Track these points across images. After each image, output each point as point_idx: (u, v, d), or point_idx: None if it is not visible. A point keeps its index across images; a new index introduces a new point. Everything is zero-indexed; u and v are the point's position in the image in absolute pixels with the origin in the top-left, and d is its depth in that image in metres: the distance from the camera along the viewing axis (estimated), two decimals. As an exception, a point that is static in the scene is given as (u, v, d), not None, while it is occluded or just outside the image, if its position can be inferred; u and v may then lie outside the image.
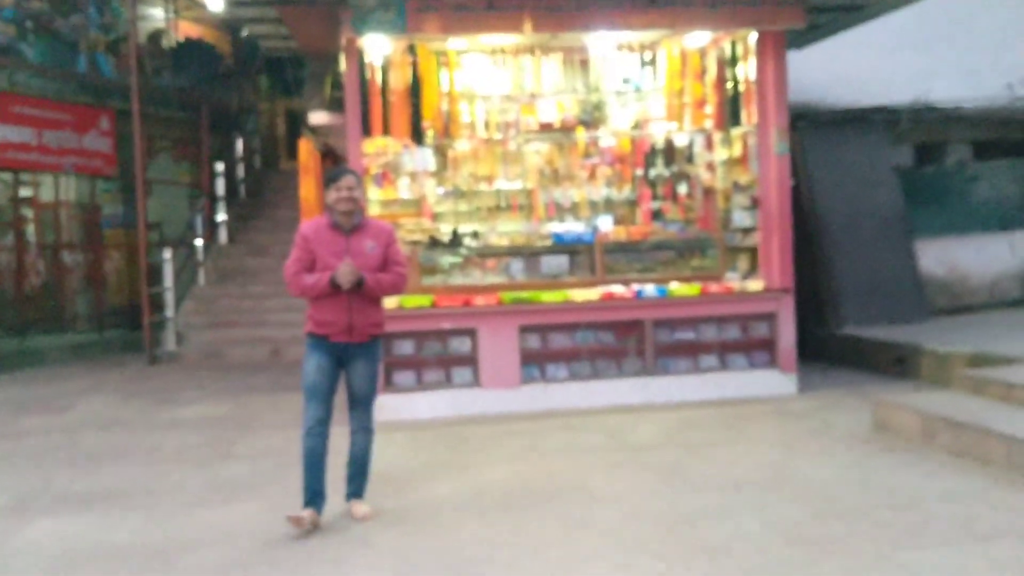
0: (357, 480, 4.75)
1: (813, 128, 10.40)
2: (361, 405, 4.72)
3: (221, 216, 14.34)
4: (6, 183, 13.13)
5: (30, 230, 13.76)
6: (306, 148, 7.44)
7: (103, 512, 5.02)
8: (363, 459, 4.75)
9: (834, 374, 8.72)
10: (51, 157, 12.73)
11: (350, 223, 4.59)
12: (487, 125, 8.03)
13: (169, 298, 12.22)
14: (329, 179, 4.62)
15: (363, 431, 4.74)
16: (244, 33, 16.69)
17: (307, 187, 7.43)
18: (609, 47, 7.94)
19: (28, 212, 13.90)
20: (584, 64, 8.20)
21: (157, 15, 15.91)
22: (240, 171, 15.83)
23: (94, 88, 13.51)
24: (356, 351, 4.60)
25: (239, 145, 15.98)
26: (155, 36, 15.72)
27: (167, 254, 12.40)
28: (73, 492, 5.50)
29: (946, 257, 11.03)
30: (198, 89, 15.74)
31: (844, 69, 10.89)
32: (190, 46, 16.68)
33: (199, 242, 13.60)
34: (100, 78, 13.77)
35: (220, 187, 14.39)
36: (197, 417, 7.86)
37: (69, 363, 12.05)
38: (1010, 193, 11.25)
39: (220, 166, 14.61)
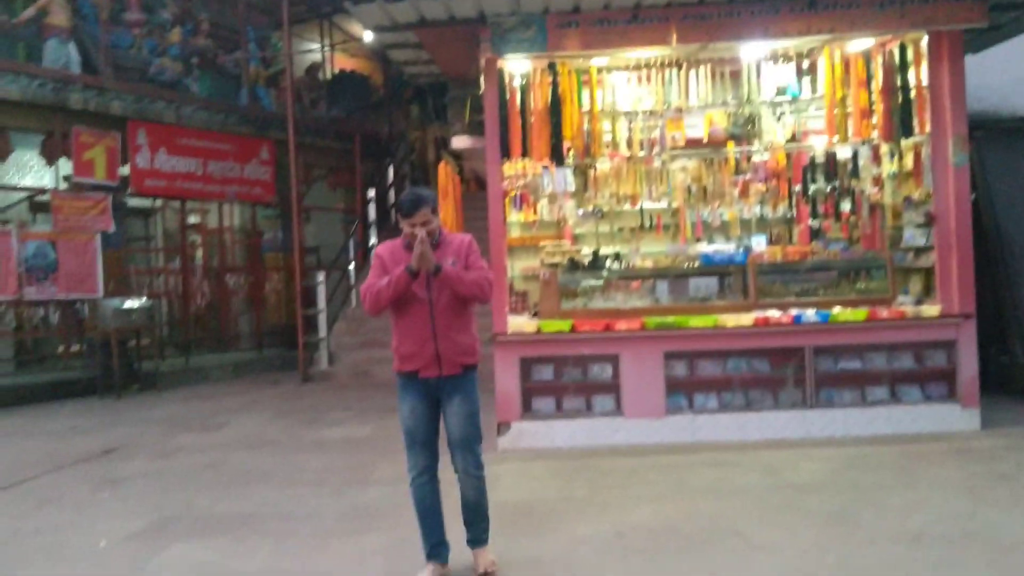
0: (476, 526, 4.27)
1: (992, 137, 9.41)
2: (462, 447, 4.16)
3: (373, 240, 14.69)
4: (175, 211, 13.96)
5: (197, 255, 14.59)
6: (445, 172, 7.38)
7: (238, 538, 5.02)
8: (477, 504, 4.24)
9: (1022, 408, 7.79)
10: (215, 186, 13.41)
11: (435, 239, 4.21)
12: (630, 143, 7.72)
13: (322, 319, 12.54)
14: (402, 210, 4.06)
15: (469, 476, 4.20)
16: (394, 64, 17.21)
17: (446, 210, 7.36)
18: (762, 56, 7.46)
19: (195, 238, 14.77)
20: (735, 76, 7.74)
21: (314, 48, 16.57)
22: (391, 197, 16.20)
23: (254, 120, 14.17)
24: (449, 387, 4.09)
25: (390, 172, 16.39)
26: (312, 69, 16.38)
27: (320, 277, 12.77)
28: (213, 515, 5.56)
29: None
30: (352, 119, 16.28)
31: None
32: (344, 78, 17.32)
33: (352, 266, 13.97)
34: (260, 110, 14.44)
35: (372, 212, 14.75)
36: (341, 438, 7.91)
37: (230, 380, 12.59)
38: None
39: (372, 192, 14.99)
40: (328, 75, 16.89)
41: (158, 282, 13.43)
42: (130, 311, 11.26)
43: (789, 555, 4.28)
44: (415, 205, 4.01)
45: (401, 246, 4.12)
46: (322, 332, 12.51)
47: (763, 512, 5.03)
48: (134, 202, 13.35)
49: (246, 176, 13.97)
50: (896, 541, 4.41)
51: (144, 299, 11.87)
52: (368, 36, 14.66)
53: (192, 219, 14.60)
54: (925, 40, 7.00)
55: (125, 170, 12.18)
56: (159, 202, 14.50)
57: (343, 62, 18.05)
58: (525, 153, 7.14)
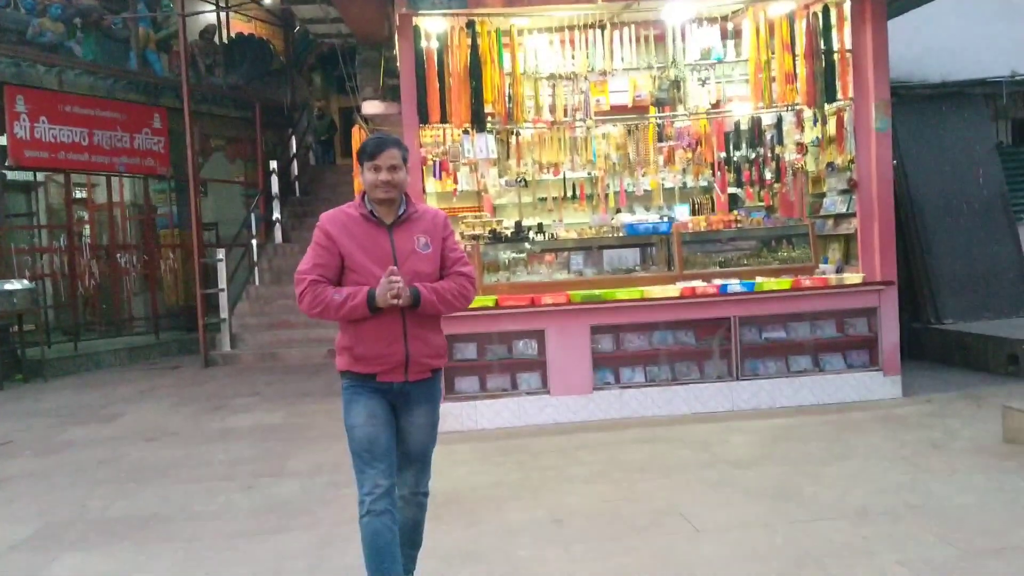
0: (410, 553, 3.48)
1: (904, 105, 9.52)
2: (417, 464, 3.40)
3: (276, 214, 14.01)
4: (59, 185, 12.94)
5: (85, 232, 13.59)
6: (359, 137, 6.88)
7: (139, 544, 4.51)
8: (416, 527, 3.47)
9: (939, 374, 7.91)
10: (103, 157, 12.48)
11: (391, 212, 3.25)
12: (553, 109, 7.39)
13: (223, 299, 11.86)
14: (365, 153, 3.23)
15: (418, 496, 3.44)
16: (296, 28, 16.40)
17: (360, 178, 6.87)
18: (687, 18, 7.22)
19: (83, 213, 13.75)
20: (659, 40, 7.48)
21: (209, 10, 15.60)
22: (295, 169, 15.51)
23: (145, 86, 13.24)
24: (415, 393, 3.30)
25: (293, 142, 15.67)
26: (207, 32, 15.42)
27: (221, 254, 12.06)
28: (109, 518, 5.02)
29: (1051, 244, 10.05)
30: (251, 86, 15.44)
31: (936, 40, 9.97)
32: (242, 42, 16.40)
33: (254, 242, 13.27)
34: (151, 76, 13.50)
35: (275, 185, 14.06)
36: (249, 426, 7.40)
37: (124, 367, 11.80)
38: (1124, 172, 10.20)
39: (274, 164, 14.28)
40: (225, 39, 15.95)
41: (42, 262, 12.43)
42: (10, 294, 10.35)
43: (736, 536, 4.09)
44: (381, 144, 3.19)
45: (358, 217, 3.22)
46: (224, 313, 11.83)
47: (702, 490, 4.84)
48: (13, 175, 12.29)
49: (137, 147, 13.06)
50: (841, 516, 4.28)
51: (26, 281, 10.94)
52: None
53: (79, 193, 13.58)
54: (848, 3, 6.89)
55: (2, 140, 11.16)
56: (42, 175, 13.45)
57: (241, 26, 17.09)
58: (444, 118, 6.73)
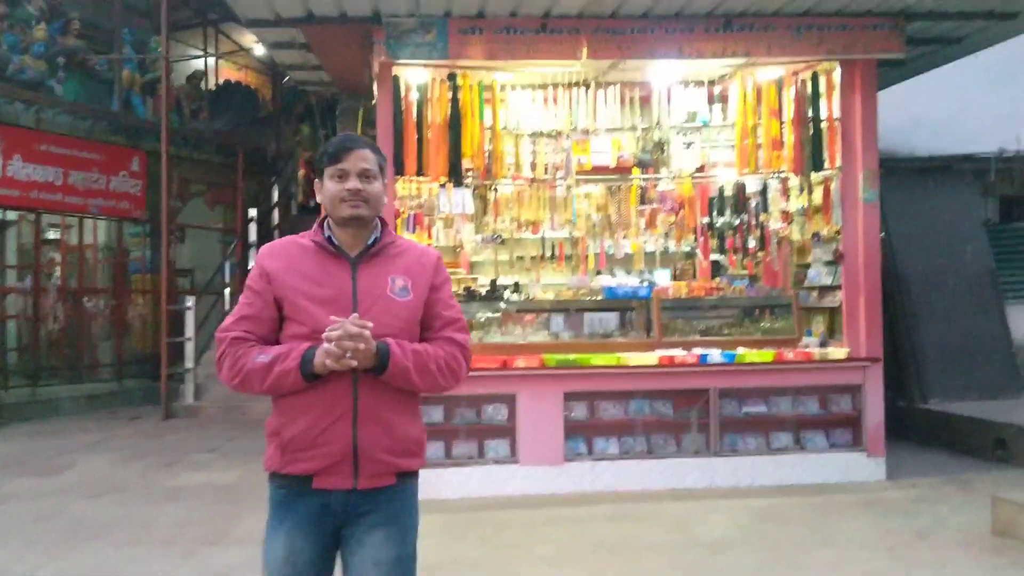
0: None
1: (892, 177, 9.40)
2: None
3: (252, 263, 13.71)
4: (29, 223, 12.62)
5: (56, 273, 13.23)
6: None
7: (56, 616, 4.12)
8: None
9: (923, 456, 7.62)
10: (76, 198, 12.19)
11: (359, 241, 2.40)
12: (534, 166, 7.20)
13: (190, 348, 11.47)
14: (326, 155, 2.39)
15: None
16: (286, 79, 16.35)
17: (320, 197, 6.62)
18: (673, 80, 7.09)
19: (54, 255, 13.40)
20: (645, 101, 7.34)
21: (198, 56, 15.53)
22: (275, 217, 15.27)
23: (125, 128, 13.02)
24: (368, 509, 2.31)
25: (275, 191, 15.46)
26: (194, 77, 15.33)
27: (190, 301, 11.71)
28: (32, 584, 4.63)
29: (1038, 324, 9.89)
30: (236, 133, 15.28)
31: (924, 112, 9.94)
32: (229, 89, 16.33)
33: (228, 290, 12.94)
34: (133, 118, 13.30)
35: (253, 233, 13.78)
36: (201, 485, 6.99)
37: (83, 414, 11.34)
38: (1108, 252, 10.09)
39: (253, 212, 14.03)
40: (212, 85, 15.85)
41: (5, 303, 12.03)
42: (-34, 334, 9.94)
43: (708, 633, 3.75)
44: (348, 143, 2.38)
45: (311, 247, 2.39)
46: (189, 362, 11.42)
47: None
48: (-16, 213, 11.99)
49: (113, 189, 12.78)
50: (823, 613, 3.95)
51: (-16, 321, 10.55)
52: (259, 50, 13.79)
53: (52, 234, 13.25)
54: (838, 71, 6.78)
55: (-29, 176, 10.88)
56: (14, 215, 13.13)
57: (230, 73, 17.04)
58: (420, 171, 6.51)
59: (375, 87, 6.56)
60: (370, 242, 2.39)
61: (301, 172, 17.01)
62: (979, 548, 4.86)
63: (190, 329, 11.53)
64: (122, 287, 13.33)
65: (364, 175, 2.36)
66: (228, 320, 2.39)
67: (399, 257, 2.43)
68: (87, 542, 5.40)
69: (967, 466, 7.13)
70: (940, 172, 9.72)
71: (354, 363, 2.19)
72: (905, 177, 9.59)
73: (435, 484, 6.24)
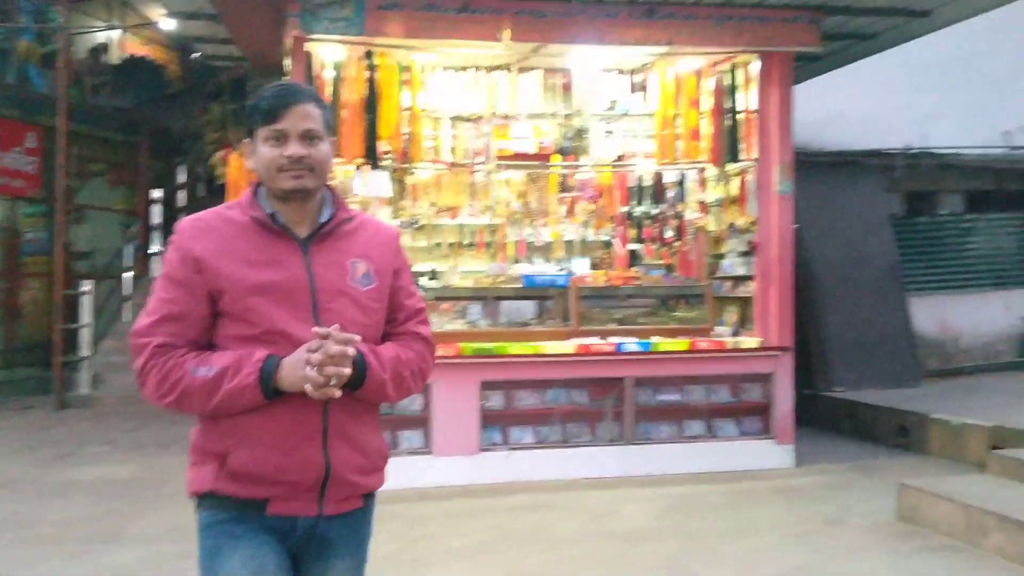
0: None
1: (802, 171, 9.58)
2: None
3: (156, 247, 13.14)
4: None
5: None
6: (237, 163, 6.32)
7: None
8: None
9: (829, 443, 7.80)
10: (-38, 174, 11.42)
11: (305, 217, 1.98)
12: (453, 150, 7.04)
13: (86, 335, 10.90)
14: (258, 112, 1.93)
15: None
16: (195, 55, 15.73)
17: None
18: (595, 68, 7.03)
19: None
20: (566, 88, 7.25)
21: (101, 28, 14.76)
22: (182, 199, 14.69)
23: (21, 102, 12.26)
24: (333, 535, 2.00)
25: (182, 172, 14.87)
26: (97, 51, 14.56)
27: (86, 287, 11.12)
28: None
29: (938, 315, 10.29)
30: (141, 110, 14.60)
31: (836, 109, 10.17)
32: (135, 64, 15.57)
33: (130, 275, 12.36)
34: (30, 91, 12.54)
35: (157, 215, 13.23)
36: (95, 479, 6.62)
37: (-32, 405, 10.66)
38: (1006, 248, 10.57)
39: (158, 193, 13.46)
40: (116, 60, 15.11)
41: None
42: None
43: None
44: (286, 96, 1.93)
45: (249, 225, 1.93)
46: (85, 350, 10.86)
47: (596, 568, 4.45)
48: None
49: (6, 166, 12.02)
50: (738, 602, 3.95)
51: None
52: (167, 24, 13.19)
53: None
54: (756, 64, 6.83)
55: None
56: None
57: (135, 48, 16.25)
58: (335, 152, 6.27)
59: (287, 62, 6.29)
60: (325, 221, 1.97)
61: (221, 153, 16.46)
62: (886, 534, 4.96)
63: (87, 315, 10.97)
64: (14, 270, 12.58)
65: (308, 136, 1.90)
66: (144, 321, 1.89)
67: (355, 236, 2.00)
68: (-33, 542, 5.02)
69: (871, 452, 7.32)
70: (849, 167, 9.98)
71: (338, 393, 1.81)
72: (816, 171, 9.79)
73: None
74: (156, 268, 12.95)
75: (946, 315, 10.33)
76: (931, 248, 10.39)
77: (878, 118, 10.19)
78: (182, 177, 14.82)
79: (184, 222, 1.95)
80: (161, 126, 14.79)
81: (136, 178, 13.98)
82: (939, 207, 10.72)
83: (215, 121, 16.42)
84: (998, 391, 8.64)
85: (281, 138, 1.90)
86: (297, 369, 1.80)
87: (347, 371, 1.81)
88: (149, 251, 13.02)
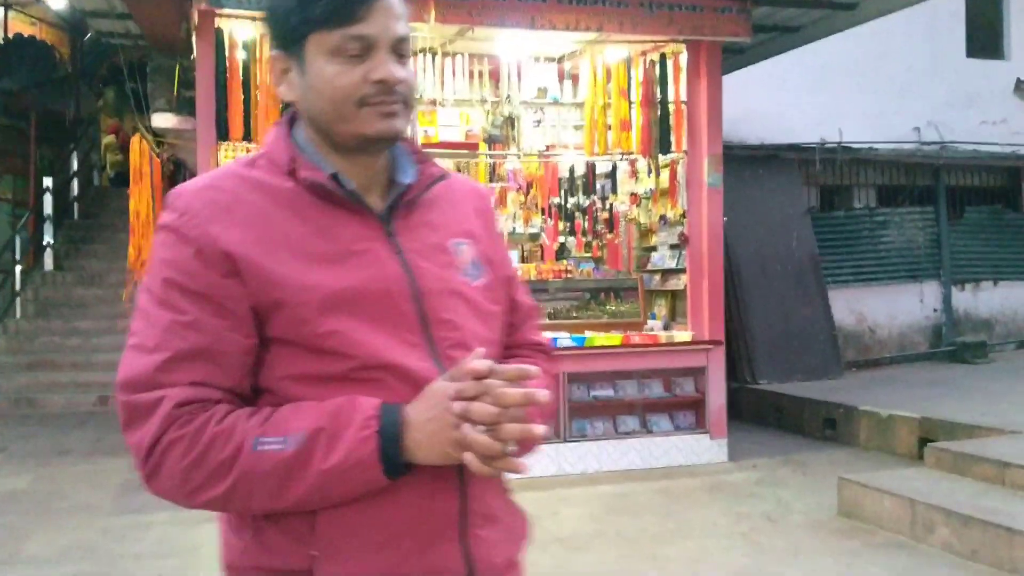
0: None
1: (725, 164, 9.59)
2: None
3: (48, 238, 12.26)
4: None
5: None
6: (139, 148, 5.80)
7: None
8: None
9: (759, 436, 7.79)
10: None
11: (377, 178, 1.30)
12: (376, 136, 6.67)
13: (-29, 335, 10.07)
14: (317, 2, 1.17)
15: None
16: (87, 35, 14.79)
17: (139, 198, 5.77)
18: (524, 53, 6.77)
19: None
20: (493, 76, 6.97)
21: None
22: (75, 188, 13.78)
23: None
24: None
25: (74, 159, 13.95)
26: (-23, 29, 13.52)
27: (-28, 281, 10.29)
28: None
29: (854, 307, 10.49)
30: (29, 94, 13.61)
31: (751, 106, 10.21)
32: (21, 44, 14.52)
33: (18, 268, 11.49)
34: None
35: (48, 205, 12.34)
36: (-17, 494, 6.03)
37: None
38: (918, 241, 10.85)
39: (49, 181, 12.57)
40: (1, 40, 14.07)
41: None
42: None
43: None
44: None
45: (305, 182, 1.22)
46: (-28, 349, 10.04)
47: (534, 578, 4.21)
48: None
49: None
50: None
51: None
52: (57, 2, 12.31)
53: None
54: (684, 54, 6.71)
55: None
56: None
57: (22, 27, 15.18)
58: (248, 136, 5.84)
59: (194, 42, 5.82)
60: (407, 179, 1.28)
61: (109, 138, 15.50)
62: (828, 531, 4.89)
63: (-28, 312, 10.12)
64: None
65: (401, 48, 1.23)
66: (143, 363, 1.14)
67: (445, 204, 1.34)
68: None
69: (800, 446, 7.33)
70: (769, 161, 10.04)
71: (525, 468, 1.14)
72: (737, 164, 9.80)
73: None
74: (48, 262, 12.06)
75: (862, 307, 10.55)
76: (847, 241, 10.57)
77: (793, 115, 10.28)
78: (75, 165, 13.88)
79: (187, 194, 1.21)
80: (52, 111, 13.84)
81: (25, 166, 13.03)
82: (854, 201, 10.92)
83: (109, 107, 15.48)
84: (917, 382, 8.81)
85: (365, 50, 1.18)
86: (441, 429, 1.11)
87: (540, 429, 1.14)
88: (42, 243, 12.12)
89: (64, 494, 6.00)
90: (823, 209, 10.80)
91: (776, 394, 8.47)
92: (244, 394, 1.19)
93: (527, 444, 1.19)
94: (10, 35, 14.49)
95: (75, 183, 13.76)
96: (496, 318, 1.34)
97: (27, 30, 15.26)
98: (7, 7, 14.34)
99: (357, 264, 1.20)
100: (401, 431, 1.12)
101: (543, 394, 1.13)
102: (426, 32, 6.01)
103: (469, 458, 1.10)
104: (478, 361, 1.13)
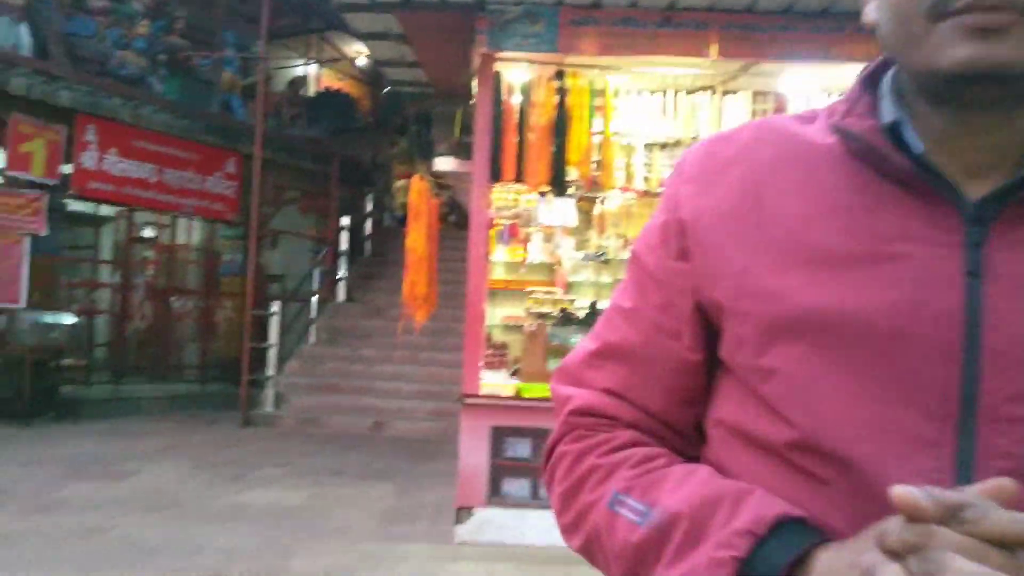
0: None
1: None
2: None
3: (342, 272, 13.39)
4: (125, 220, 12.62)
5: (148, 271, 13.20)
6: (418, 188, 6.06)
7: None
8: None
9: None
10: (170, 196, 12.06)
11: (1011, 152, 0.72)
12: (646, 179, 6.48)
13: (272, 355, 11.15)
14: None
15: None
16: (385, 89, 16.15)
17: (416, 236, 5.99)
18: (811, 88, 6.28)
19: (149, 253, 13.40)
20: (778, 112, 6.54)
21: (299, 63, 15.46)
22: (368, 228, 14.98)
23: (223, 129, 12.91)
24: None
25: (369, 201, 15.19)
26: (295, 84, 15.25)
27: (275, 308, 11.41)
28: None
29: None
30: (332, 141, 15.09)
31: None
32: (328, 97, 16.23)
33: (315, 298, 12.64)
34: (230, 120, 13.20)
35: (344, 242, 13.49)
36: (265, 505, 6.49)
37: (163, 415, 11.14)
38: None
39: (346, 220, 13.76)
40: (311, 92, 15.75)
41: (96, 298, 12.00)
42: (51, 327, 9.84)
43: None
44: None
45: (822, 138, 0.80)
46: (270, 370, 11.09)
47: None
48: (82, 207, 11.99)
49: (208, 189, 12.64)
50: None
51: (70, 315, 10.45)
52: (362, 60, 13.58)
53: (148, 232, 13.25)
54: None
55: (67, 169, 10.84)
56: (111, 210, 13.19)
57: (331, 82, 16.95)
58: (519, 178, 5.88)
59: (474, 85, 5.98)
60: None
61: (400, 183, 16.75)
62: None
63: (273, 335, 11.22)
64: (212, 289, 13.23)
65: None
66: (578, 351, 0.95)
67: None
68: (123, 569, 4.90)
69: None
70: None
71: None
72: None
73: (518, 527, 5.53)
74: (340, 294, 13.13)
75: None
76: None
77: None
78: (369, 207, 15.11)
79: (696, 146, 0.91)
80: (351, 157, 15.20)
81: (326, 206, 14.37)
82: None
83: (402, 154, 16.77)
84: None
85: None
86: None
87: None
88: (336, 276, 13.26)
89: (332, 514, 6.30)
90: None
91: None
92: (678, 428, 0.87)
93: None
94: (321, 89, 16.19)
95: (368, 223, 14.93)
96: None
97: (335, 84, 17.00)
98: (321, 64, 16.05)
99: (878, 274, 0.73)
100: (793, 568, 0.66)
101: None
102: (704, 70, 5.74)
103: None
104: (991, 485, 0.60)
